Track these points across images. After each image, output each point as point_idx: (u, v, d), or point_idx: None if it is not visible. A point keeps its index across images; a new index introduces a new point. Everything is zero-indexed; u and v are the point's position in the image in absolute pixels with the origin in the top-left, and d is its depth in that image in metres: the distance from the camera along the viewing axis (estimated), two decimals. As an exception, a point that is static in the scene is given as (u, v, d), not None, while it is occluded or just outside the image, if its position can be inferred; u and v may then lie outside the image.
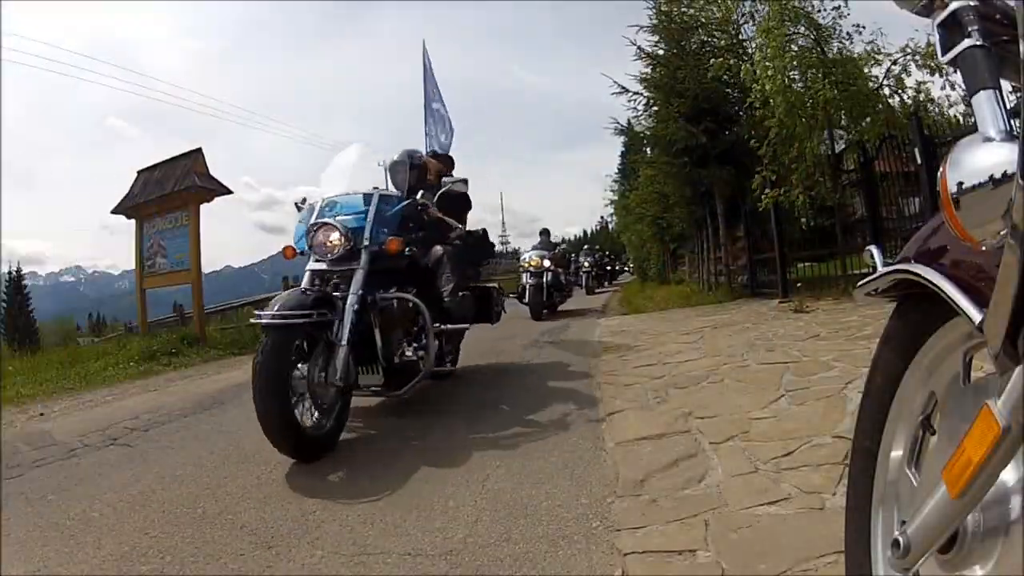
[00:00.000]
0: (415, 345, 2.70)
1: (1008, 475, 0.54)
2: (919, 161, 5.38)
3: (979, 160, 0.52)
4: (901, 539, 0.60)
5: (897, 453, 0.76)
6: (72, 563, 1.58)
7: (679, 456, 1.99)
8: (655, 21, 9.06)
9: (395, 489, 1.93)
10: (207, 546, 1.62)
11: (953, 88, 6.51)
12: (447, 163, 4.12)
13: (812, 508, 1.48)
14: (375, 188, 2.83)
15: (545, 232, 10.59)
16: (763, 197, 6.76)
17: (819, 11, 6.99)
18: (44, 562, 1.60)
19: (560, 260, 9.96)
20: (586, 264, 16.89)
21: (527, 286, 8.33)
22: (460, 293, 3.13)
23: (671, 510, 1.59)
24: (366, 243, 2.57)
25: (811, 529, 1.36)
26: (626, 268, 38.03)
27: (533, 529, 1.56)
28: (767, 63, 6.47)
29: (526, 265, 8.81)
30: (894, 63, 6.76)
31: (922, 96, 6.71)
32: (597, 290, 17.19)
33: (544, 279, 8.53)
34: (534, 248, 9.66)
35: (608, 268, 24.75)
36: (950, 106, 6.74)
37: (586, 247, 19.42)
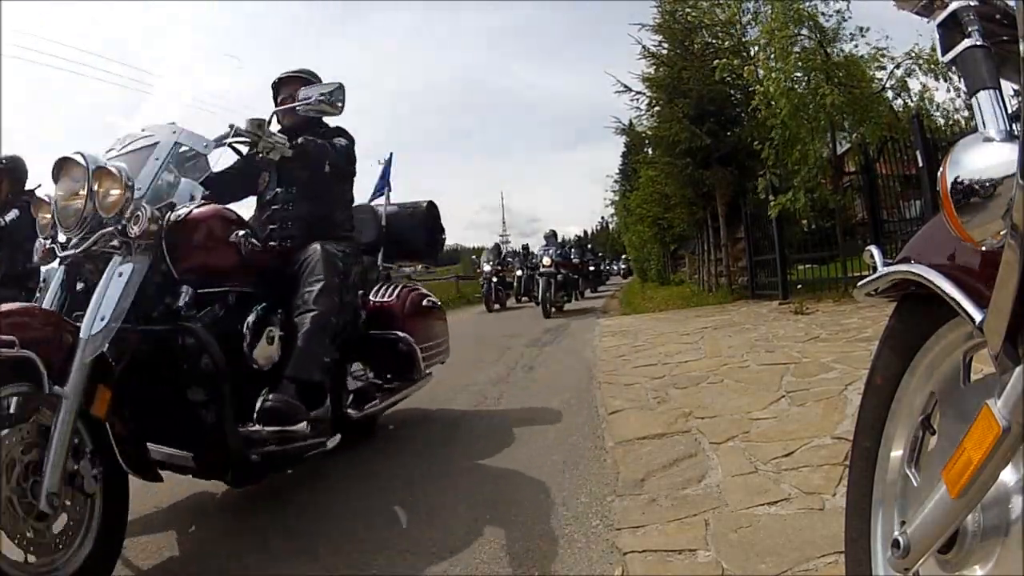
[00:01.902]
0: None
1: (1008, 475, 0.54)
2: (920, 163, 5.38)
3: (979, 160, 0.52)
4: (901, 539, 0.60)
5: (897, 453, 0.76)
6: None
7: (679, 456, 1.99)
8: (659, 21, 9.06)
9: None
10: (206, 544, 1.62)
11: (959, 94, 6.49)
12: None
13: (812, 508, 1.48)
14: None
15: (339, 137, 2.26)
16: (770, 205, 6.73)
17: (823, 13, 6.98)
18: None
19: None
20: (545, 261, 9.37)
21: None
22: None
23: (671, 509, 1.59)
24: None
25: (811, 529, 1.36)
26: (619, 269, 31.57)
27: (533, 527, 1.56)
28: (771, 64, 6.47)
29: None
30: (897, 66, 6.76)
31: (925, 101, 6.69)
32: (567, 306, 10.29)
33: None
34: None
35: (592, 268, 17.49)
36: (955, 110, 6.72)
37: (551, 231, 10.75)
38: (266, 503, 1.89)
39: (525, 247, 14.09)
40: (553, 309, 9.10)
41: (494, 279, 11.22)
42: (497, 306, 11.31)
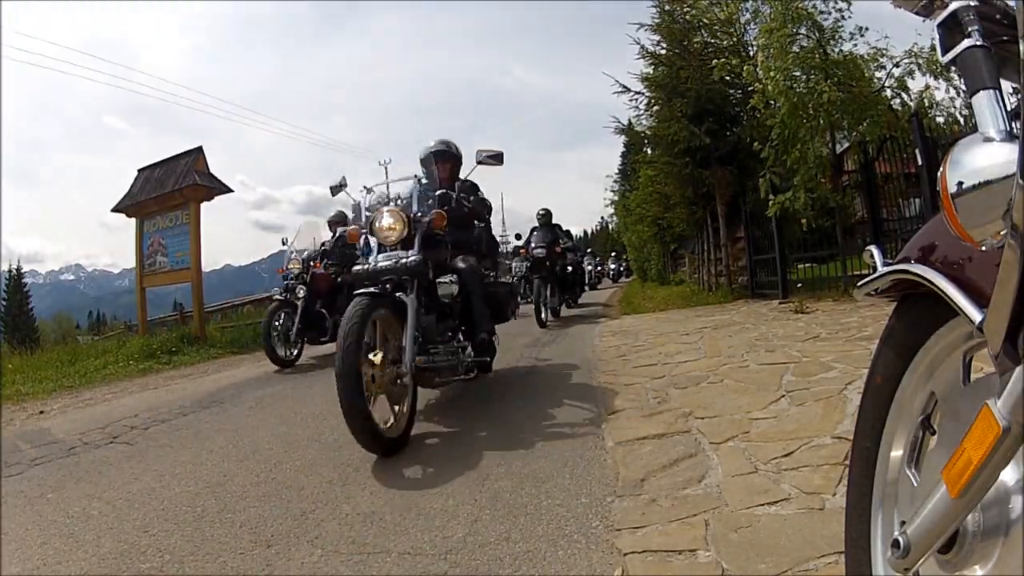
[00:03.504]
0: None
1: (1008, 475, 0.54)
2: (920, 162, 5.39)
3: (979, 160, 0.52)
4: (901, 539, 0.60)
5: (897, 453, 0.76)
6: (71, 561, 1.59)
7: (679, 456, 1.99)
8: (657, 20, 9.06)
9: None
10: (206, 544, 1.62)
11: (959, 94, 6.49)
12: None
13: (812, 508, 1.48)
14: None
15: None
16: (770, 204, 6.73)
17: (822, 12, 6.98)
18: (43, 561, 1.60)
19: None
20: (377, 229, 2.69)
21: None
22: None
23: (671, 510, 1.59)
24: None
25: (811, 529, 1.36)
26: (610, 270, 27.80)
27: (533, 528, 1.56)
28: (770, 64, 6.47)
29: None
30: (896, 65, 6.76)
31: (926, 102, 6.69)
32: (497, 364, 3.69)
33: None
34: None
35: (571, 268, 9.43)
36: (956, 110, 6.72)
37: (440, 141, 3.55)
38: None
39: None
40: (463, 376, 2.94)
41: (302, 293, 5.16)
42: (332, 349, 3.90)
